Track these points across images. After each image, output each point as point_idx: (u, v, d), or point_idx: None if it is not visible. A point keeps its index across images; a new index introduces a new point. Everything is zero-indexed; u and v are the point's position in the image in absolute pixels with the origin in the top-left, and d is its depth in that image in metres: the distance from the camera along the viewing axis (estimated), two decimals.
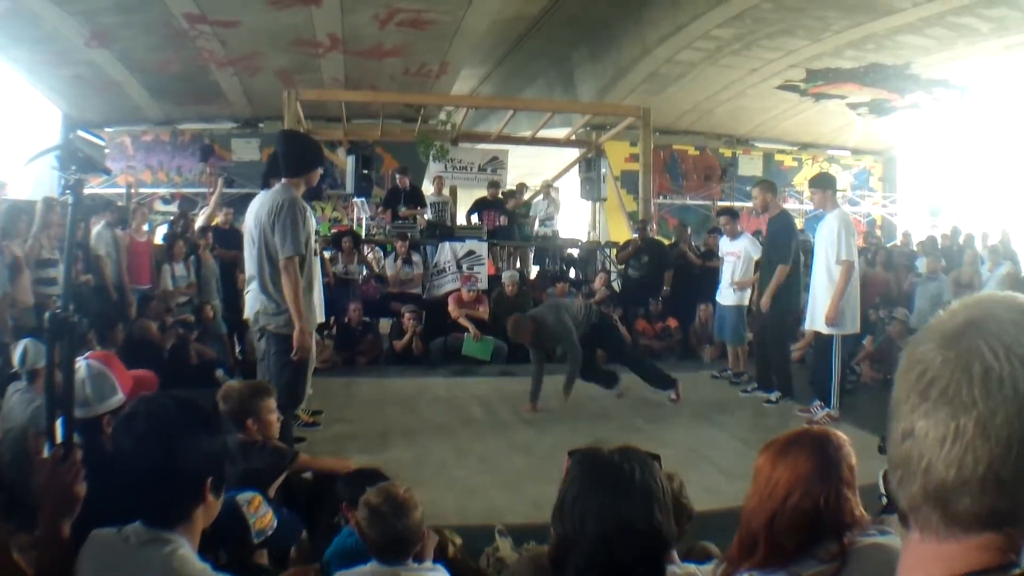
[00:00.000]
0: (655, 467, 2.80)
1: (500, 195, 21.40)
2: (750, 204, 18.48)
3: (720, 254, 15.14)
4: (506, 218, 20.70)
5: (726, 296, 14.41)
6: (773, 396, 12.79)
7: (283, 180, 8.14)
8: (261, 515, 4.57)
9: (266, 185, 9.00)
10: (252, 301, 8.52)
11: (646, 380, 12.48)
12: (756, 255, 13.95)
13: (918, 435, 1.38)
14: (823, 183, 12.07)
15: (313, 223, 8.69)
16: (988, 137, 29.29)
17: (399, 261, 17.69)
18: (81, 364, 4.75)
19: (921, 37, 20.63)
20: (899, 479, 1.42)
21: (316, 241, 9.12)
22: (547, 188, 22.52)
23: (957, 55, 21.66)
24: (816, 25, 20.61)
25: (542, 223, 21.83)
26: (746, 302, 14.37)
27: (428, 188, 23.75)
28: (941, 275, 17.68)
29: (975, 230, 21.62)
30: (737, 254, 14.19)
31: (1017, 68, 22.17)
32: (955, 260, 19.41)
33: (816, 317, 11.52)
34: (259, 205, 8.20)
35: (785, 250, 12.71)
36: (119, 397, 4.92)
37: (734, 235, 14.53)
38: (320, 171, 8.65)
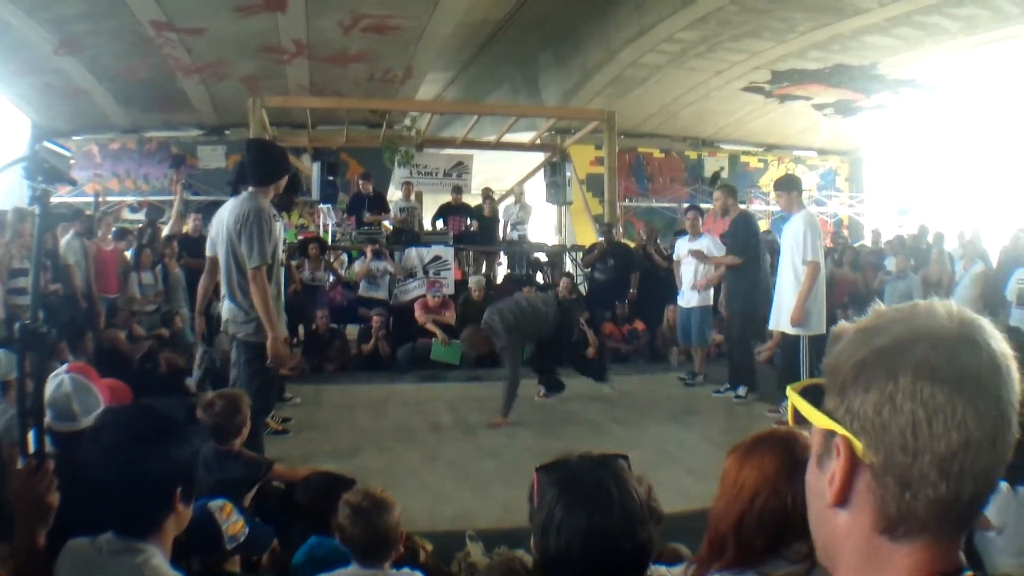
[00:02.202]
0: (627, 476, 2.78)
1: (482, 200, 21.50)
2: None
3: (677, 256, 15.10)
4: (476, 223, 20.76)
5: (690, 298, 14.43)
6: (741, 391, 12.88)
7: (250, 188, 8.14)
8: (233, 522, 4.59)
9: (235, 193, 9.00)
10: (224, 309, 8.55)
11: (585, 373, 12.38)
12: (718, 255, 13.95)
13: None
14: (788, 185, 12.14)
15: (280, 232, 8.71)
16: (955, 136, 29.37)
17: (369, 255, 17.71)
18: (65, 378, 4.77)
19: (887, 37, 20.68)
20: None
21: (283, 251, 9.14)
22: (519, 193, 22.55)
23: (924, 54, 21.69)
24: (781, 27, 20.64)
25: (513, 227, 21.84)
26: (710, 302, 14.47)
27: (394, 193, 23.75)
28: (910, 274, 17.83)
29: (943, 229, 21.71)
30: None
31: (985, 66, 22.27)
32: (923, 259, 19.53)
33: (781, 318, 11.56)
34: (226, 213, 8.19)
35: (740, 243, 12.92)
36: (103, 409, 4.93)
37: (697, 233, 14.48)
38: (287, 179, 8.63)
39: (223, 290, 8.28)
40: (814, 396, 1.56)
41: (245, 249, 7.79)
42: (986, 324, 1.44)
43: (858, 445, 1.42)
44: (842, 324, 1.57)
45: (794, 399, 1.61)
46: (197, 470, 5.71)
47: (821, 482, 1.52)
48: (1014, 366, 1.42)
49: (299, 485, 5.88)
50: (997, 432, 1.38)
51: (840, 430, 1.45)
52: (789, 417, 1.64)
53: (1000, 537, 5.36)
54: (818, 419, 1.51)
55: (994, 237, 19.81)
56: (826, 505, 1.50)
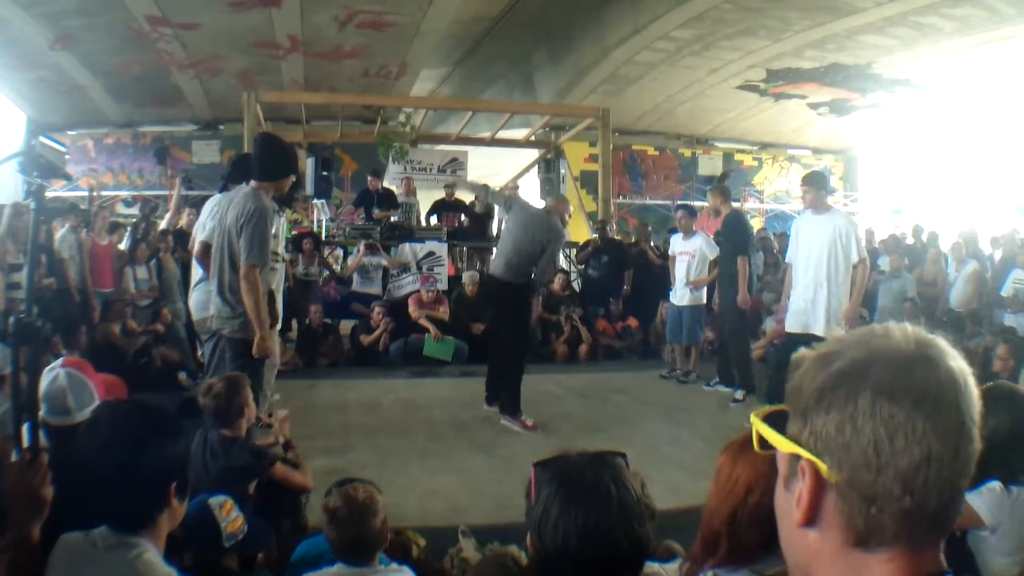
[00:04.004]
0: (626, 473, 2.78)
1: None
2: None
3: (671, 253, 15.06)
4: (468, 219, 20.78)
5: (681, 296, 14.39)
6: (739, 394, 12.84)
7: (252, 184, 7.96)
8: (232, 519, 4.61)
9: (224, 188, 9.01)
10: (199, 302, 8.60)
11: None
12: (712, 255, 13.97)
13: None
14: (818, 181, 11.65)
15: (282, 228, 8.76)
16: (950, 136, 29.38)
17: (361, 250, 17.70)
18: (60, 372, 4.78)
19: (883, 37, 20.69)
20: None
21: (287, 248, 9.20)
22: (514, 190, 22.53)
23: (919, 54, 21.72)
24: (777, 25, 20.65)
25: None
26: (702, 301, 14.42)
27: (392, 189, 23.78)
28: (904, 273, 17.81)
29: (938, 228, 21.72)
30: (691, 253, 14.22)
31: (980, 67, 22.28)
32: (918, 258, 19.54)
33: (816, 319, 11.14)
34: (225, 208, 8.12)
35: (745, 244, 12.97)
36: (97, 404, 4.92)
37: (689, 232, 14.49)
38: (292, 179, 8.51)
39: (211, 285, 8.23)
40: (778, 421, 1.59)
41: (244, 246, 7.64)
42: (942, 343, 1.48)
43: (822, 466, 1.45)
44: (802, 351, 1.59)
45: (757, 426, 1.64)
46: (197, 460, 5.77)
47: (789, 503, 1.55)
48: (972, 382, 1.46)
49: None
50: (958, 445, 1.41)
51: (804, 453, 1.49)
52: (755, 443, 1.66)
53: (993, 536, 5.34)
54: (782, 444, 1.55)
55: (990, 237, 19.79)
56: (795, 525, 1.53)
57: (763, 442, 1.62)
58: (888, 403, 1.39)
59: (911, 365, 1.42)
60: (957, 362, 1.45)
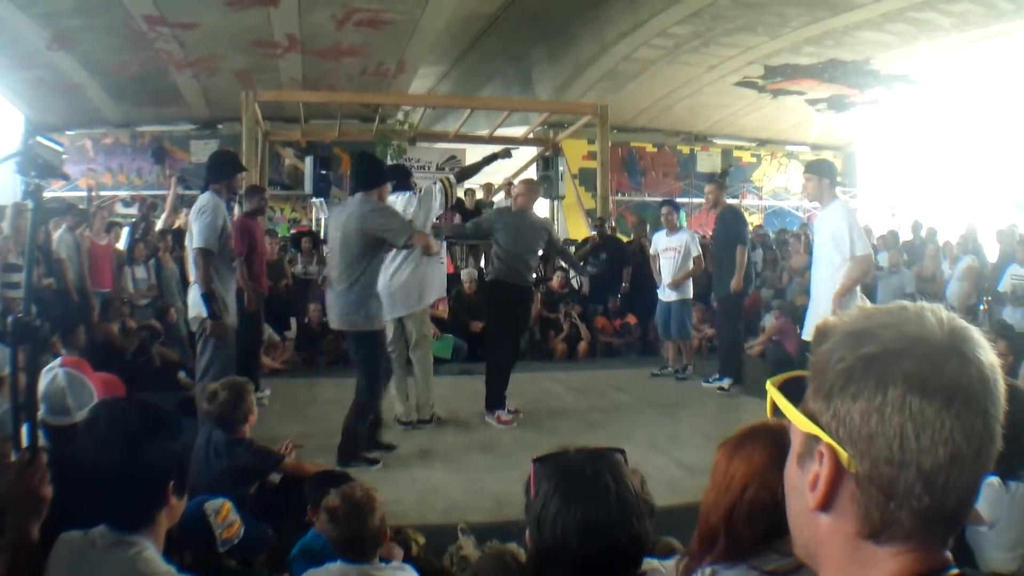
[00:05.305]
0: (625, 470, 2.78)
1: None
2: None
3: (655, 251, 15.01)
4: (460, 216, 20.79)
5: (668, 293, 14.46)
6: (725, 383, 13.01)
7: (360, 194, 9.01)
8: (228, 523, 4.62)
9: (206, 188, 9.26)
10: (195, 299, 8.87)
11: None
12: (695, 252, 14.16)
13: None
14: (821, 169, 10.59)
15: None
16: (949, 132, 29.33)
17: None
18: (59, 372, 4.76)
19: (881, 33, 20.68)
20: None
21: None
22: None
23: (917, 50, 21.70)
24: (775, 22, 20.63)
25: None
26: (689, 295, 14.57)
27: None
28: (903, 269, 17.78)
29: (936, 224, 21.71)
30: (677, 249, 14.30)
31: (978, 62, 22.27)
32: (917, 254, 19.53)
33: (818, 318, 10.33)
34: (340, 218, 9.03)
35: (744, 235, 13.24)
36: (97, 402, 4.92)
37: (673, 228, 14.56)
38: (389, 187, 9.72)
39: (338, 288, 8.94)
40: (794, 391, 1.56)
41: (391, 235, 8.68)
42: (975, 334, 1.44)
43: (843, 454, 1.41)
44: (827, 319, 1.56)
45: (774, 395, 1.61)
46: (200, 459, 5.77)
47: (802, 482, 1.52)
48: (1000, 377, 1.42)
49: (308, 482, 5.90)
50: (982, 446, 1.38)
51: (826, 438, 1.44)
52: (767, 410, 1.64)
53: (992, 532, 5.33)
54: (802, 423, 1.51)
55: (989, 233, 19.77)
56: (808, 509, 1.50)
57: (776, 409, 1.59)
58: (919, 398, 1.35)
59: (945, 358, 1.38)
60: (988, 356, 1.42)
